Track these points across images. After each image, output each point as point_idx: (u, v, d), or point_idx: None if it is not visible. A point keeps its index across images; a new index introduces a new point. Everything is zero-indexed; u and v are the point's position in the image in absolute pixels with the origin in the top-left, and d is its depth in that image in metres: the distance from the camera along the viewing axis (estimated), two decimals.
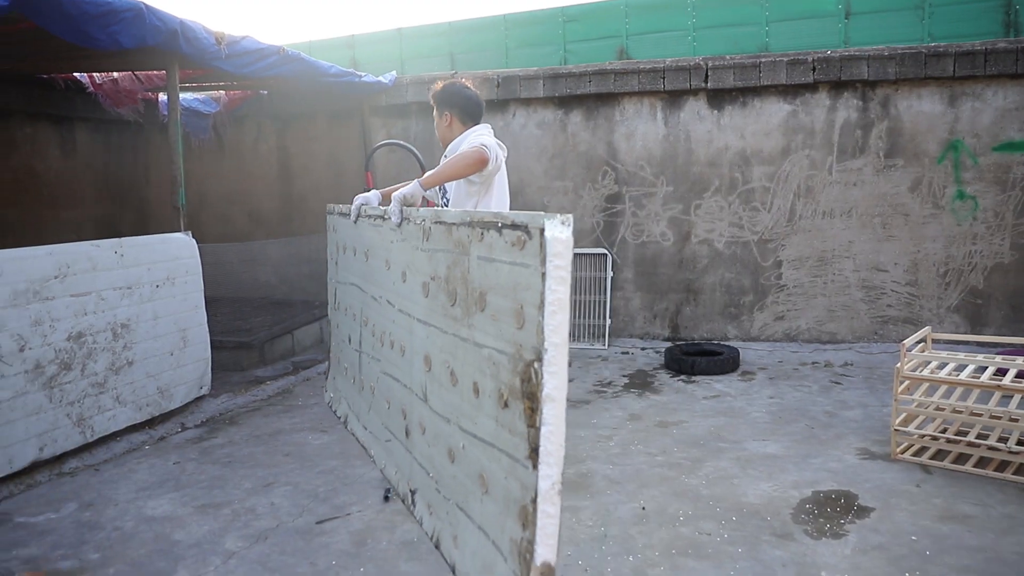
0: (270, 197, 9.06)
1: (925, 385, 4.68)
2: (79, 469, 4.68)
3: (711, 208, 7.61)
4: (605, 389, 6.29)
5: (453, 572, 2.64)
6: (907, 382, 4.64)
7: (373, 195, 3.28)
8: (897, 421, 4.55)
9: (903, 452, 4.55)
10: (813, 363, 6.93)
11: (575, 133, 7.88)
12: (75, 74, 7.71)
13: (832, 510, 3.91)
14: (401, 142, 5.77)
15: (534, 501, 2.15)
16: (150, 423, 5.26)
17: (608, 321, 7.81)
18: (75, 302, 4.69)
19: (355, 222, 3.48)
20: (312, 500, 4.16)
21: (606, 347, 7.71)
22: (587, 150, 7.86)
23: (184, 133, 9.06)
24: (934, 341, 5.06)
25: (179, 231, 5.65)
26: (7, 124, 7.85)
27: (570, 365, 7.02)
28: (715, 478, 4.37)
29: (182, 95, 8.87)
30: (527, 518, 2.18)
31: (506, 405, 2.47)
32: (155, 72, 7.40)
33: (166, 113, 8.83)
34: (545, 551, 2.10)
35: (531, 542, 2.16)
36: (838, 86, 7.16)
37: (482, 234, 2.76)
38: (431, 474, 3.18)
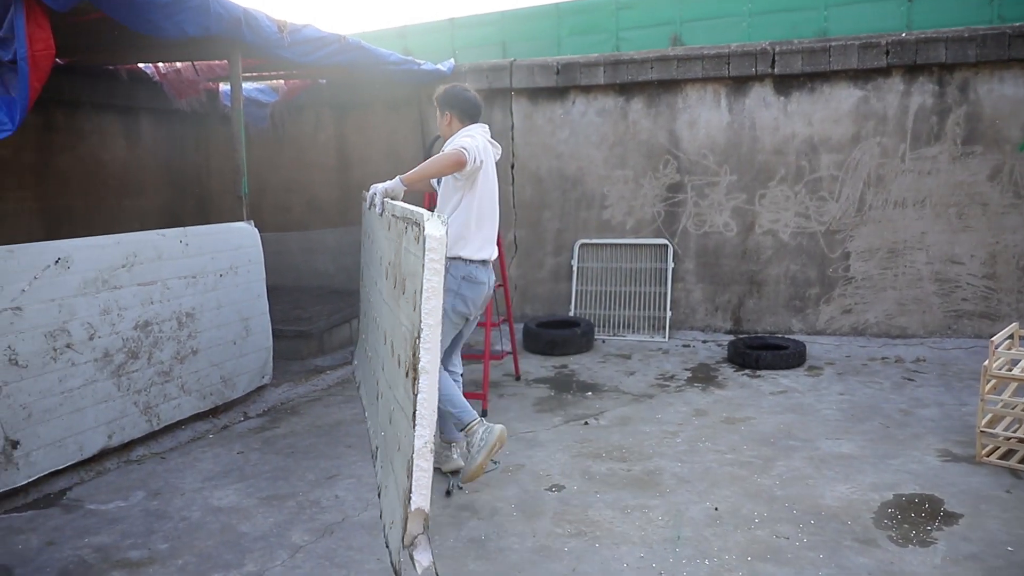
0: (328, 186, 9.08)
1: (1014, 385, 4.44)
2: (146, 457, 4.72)
3: (776, 198, 7.38)
4: (668, 383, 6.15)
5: (380, 517, 3.23)
6: (994, 381, 4.42)
7: (392, 184, 3.68)
8: (983, 422, 4.33)
9: (989, 455, 4.34)
10: (883, 358, 6.68)
11: (636, 121, 7.71)
12: (139, 65, 7.79)
13: (917, 515, 3.73)
14: None
15: (412, 457, 2.61)
16: (214, 412, 5.29)
17: (668, 313, 7.64)
18: (142, 291, 4.72)
19: (368, 209, 3.89)
20: (376, 494, 4.12)
21: (666, 339, 7.55)
22: (648, 138, 7.69)
23: (244, 123, 9.17)
24: (1021, 338, 4.81)
25: (242, 220, 5.66)
26: (75, 115, 7.98)
27: (629, 358, 6.90)
28: (789, 478, 4.22)
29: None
30: (409, 471, 2.62)
31: (407, 375, 2.82)
32: (216, 62, 7.44)
33: (226, 103, 8.91)
34: (419, 499, 2.61)
35: (409, 490, 2.63)
36: (913, 70, 6.87)
37: (406, 227, 3.10)
38: (381, 434, 3.65)
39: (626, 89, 7.71)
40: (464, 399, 3.94)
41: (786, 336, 7.28)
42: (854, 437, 4.82)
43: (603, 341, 7.61)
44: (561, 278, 8.10)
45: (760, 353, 6.54)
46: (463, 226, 3.88)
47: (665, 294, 7.71)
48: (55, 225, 7.76)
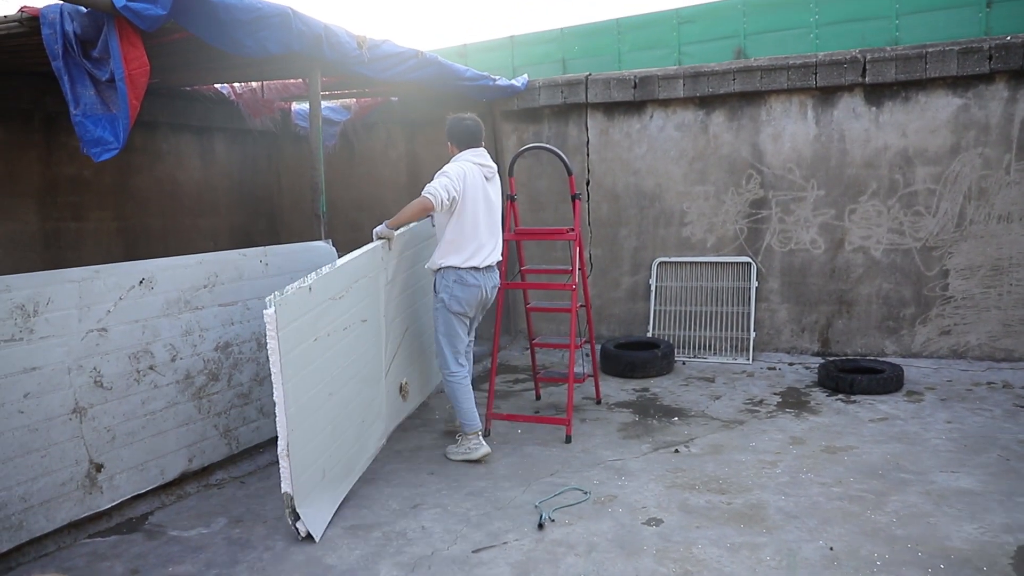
0: (399, 204, 8.95)
1: None
2: (225, 481, 4.62)
3: (867, 213, 7.02)
4: (757, 408, 5.85)
5: None
6: None
7: (381, 228, 4.84)
8: None
9: None
10: (988, 383, 6.26)
11: (717, 135, 7.45)
12: (216, 85, 7.84)
13: None
14: (548, 145, 5.52)
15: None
16: None
17: (752, 334, 7.32)
18: (223, 312, 4.64)
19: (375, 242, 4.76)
20: (464, 525, 3.93)
21: (750, 361, 7.23)
22: (730, 152, 7.42)
23: None
24: None
25: (320, 239, 5.57)
26: (153, 136, 8.06)
27: (712, 381, 6.60)
28: (907, 516, 3.89)
29: (303, 104, 8.95)
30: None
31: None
32: (291, 81, 7.43)
33: (298, 122, 8.93)
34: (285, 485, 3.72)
35: None
36: (1019, 75, 6.47)
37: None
38: None
39: (706, 102, 7.45)
40: (473, 408, 4.84)
41: (879, 358, 6.89)
42: (972, 471, 4.46)
43: (683, 363, 7.33)
44: (639, 297, 7.85)
45: (854, 377, 6.19)
46: (450, 243, 4.72)
47: (748, 314, 7.40)
48: (133, 244, 7.83)
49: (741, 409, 5.84)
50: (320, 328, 4.02)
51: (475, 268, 4.73)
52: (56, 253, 7.14)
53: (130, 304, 4.10)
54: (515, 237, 5.60)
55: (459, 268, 4.70)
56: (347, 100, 8.86)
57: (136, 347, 4.13)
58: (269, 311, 3.61)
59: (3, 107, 6.66)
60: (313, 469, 3.95)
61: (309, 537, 3.80)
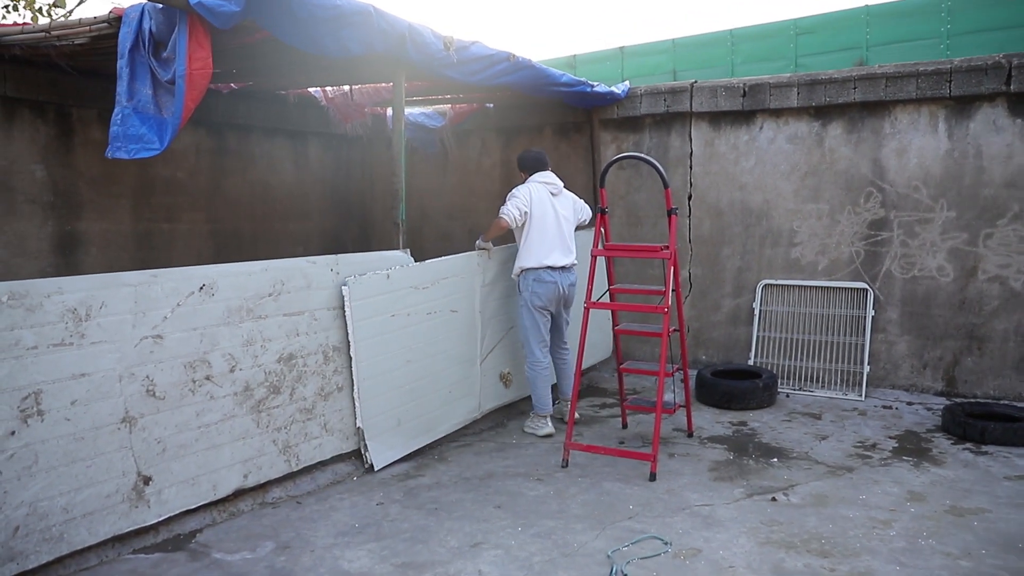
0: (491, 214, 8.66)
1: None
2: (281, 500, 4.38)
3: (1007, 238, 6.24)
4: (869, 453, 5.21)
5: None
6: None
7: (479, 241, 5.80)
8: None
9: None
10: None
11: (833, 148, 6.81)
12: (309, 90, 7.76)
13: None
14: (641, 154, 5.08)
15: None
16: (357, 454, 4.91)
17: (866, 368, 6.63)
18: (288, 321, 4.42)
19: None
20: (526, 572, 3.54)
21: (862, 398, 6.54)
22: (847, 168, 6.76)
23: (411, 148, 9.00)
24: None
25: (398, 248, 5.31)
26: (248, 140, 8.06)
27: (819, 418, 5.99)
28: None
29: (408, 110, 8.77)
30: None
31: None
32: (383, 85, 7.25)
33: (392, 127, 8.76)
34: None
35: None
36: None
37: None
38: None
39: (822, 112, 6.83)
40: (548, 393, 5.66)
41: (1015, 404, 6.09)
42: None
43: (787, 396, 6.71)
44: (740, 322, 7.27)
45: (986, 424, 5.45)
46: (526, 251, 5.56)
47: (862, 346, 6.70)
48: (223, 247, 7.82)
49: (851, 453, 5.22)
50: (398, 307, 4.98)
51: (550, 267, 5.47)
52: (148, 254, 7.17)
53: (188, 311, 3.92)
54: (604, 253, 5.18)
55: (536, 268, 5.47)
56: (442, 107, 8.65)
57: (193, 356, 3.94)
58: (345, 287, 4.63)
59: (102, 108, 6.73)
60: (386, 415, 4.95)
61: (371, 468, 4.80)
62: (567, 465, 4.95)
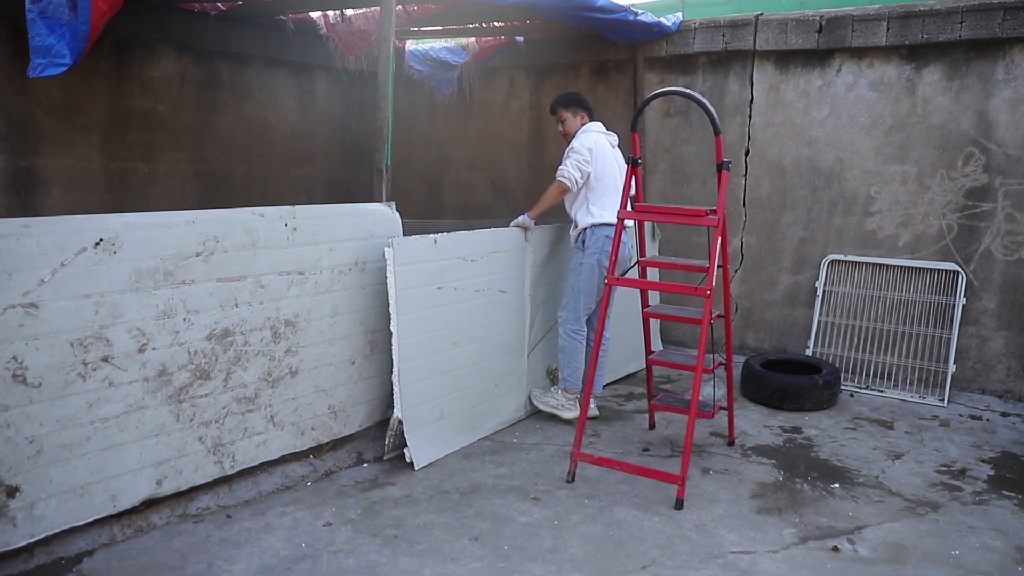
0: (517, 165, 7.67)
1: None
2: (208, 512, 3.50)
3: None
4: (959, 483, 4.13)
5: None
6: None
7: (521, 219, 4.79)
8: None
9: None
10: None
11: (928, 98, 5.59)
12: (311, 15, 6.75)
13: None
14: (686, 90, 3.98)
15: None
16: (316, 451, 4.01)
17: (951, 367, 5.49)
18: (223, 289, 3.49)
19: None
20: None
21: (944, 403, 5.42)
22: (944, 123, 5.54)
23: (428, 88, 7.96)
24: None
25: (380, 200, 4.33)
26: (243, 71, 7.11)
27: (890, 427, 4.91)
28: None
29: (426, 42, 7.72)
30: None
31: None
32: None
33: (412, 64, 7.74)
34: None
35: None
36: None
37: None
38: None
39: (917, 53, 5.60)
40: (581, 367, 4.76)
41: None
42: None
43: (851, 395, 5.62)
44: (799, 303, 6.16)
45: None
46: (596, 203, 4.66)
47: (948, 340, 5.56)
48: (212, 192, 6.94)
49: (934, 482, 4.15)
50: (445, 279, 4.28)
51: (625, 226, 4.47)
52: (120, 196, 6.32)
53: (78, 273, 3.00)
54: (633, 215, 4.12)
55: (612, 224, 4.48)
56: (465, 39, 7.57)
57: (83, 331, 3.04)
58: (389, 249, 3.94)
59: None
60: (429, 406, 4.26)
61: (411, 465, 4.08)
62: (573, 479, 3.98)
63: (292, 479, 3.84)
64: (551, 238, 5.08)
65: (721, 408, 4.53)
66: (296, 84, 7.59)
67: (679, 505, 3.70)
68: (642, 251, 4.40)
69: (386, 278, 3.97)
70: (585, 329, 4.76)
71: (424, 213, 8.15)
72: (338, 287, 3.99)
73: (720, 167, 3.86)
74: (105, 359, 3.11)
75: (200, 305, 3.41)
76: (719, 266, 3.95)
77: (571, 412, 4.79)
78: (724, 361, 4.45)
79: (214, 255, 3.44)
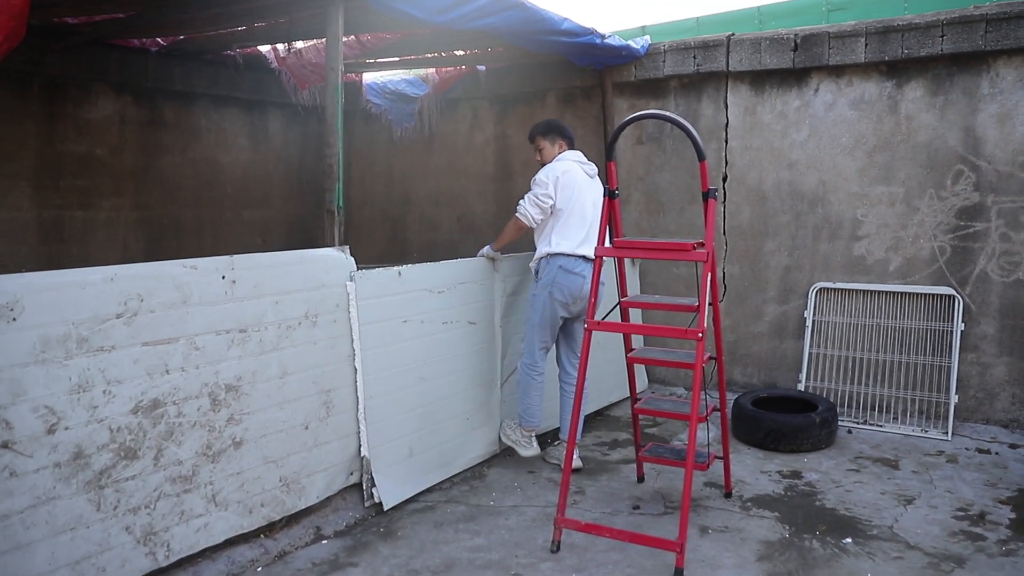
0: (484, 199, 7.30)
1: None
2: None
3: None
4: (979, 531, 3.76)
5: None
6: None
7: (486, 250, 4.64)
8: None
9: None
10: None
11: (911, 115, 5.32)
12: (260, 49, 6.37)
13: None
14: (667, 113, 3.63)
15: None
16: (267, 530, 3.54)
17: (952, 397, 5.17)
18: (150, 354, 3.04)
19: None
20: None
21: (948, 437, 5.08)
22: (930, 140, 5.28)
23: (386, 121, 7.59)
24: None
25: (332, 246, 3.92)
26: (189, 110, 6.70)
27: (895, 466, 4.57)
28: None
29: (385, 75, 7.37)
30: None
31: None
32: (344, 39, 5.80)
33: (370, 98, 7.39)
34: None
35: None
36: None
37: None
38: None
39: (898, 69, 5.34)
40: (539, 405, 4.50)
41: None
42: None
43: (849, 431, 5.26)
44: (787, 334, 5.82)
45: None
46: (558, 233, 4.37)
47: (948, 368, 5.24)
48: (157, 239, 6.49)
49: (953, 530, 3.77)
50: (411, 312, 4.15)
51: (583, 258, 4.34)
52: (56, 248, 5.85)
53: None
54: (614, 252, 3.75)
55: (568, 255, 4.33)
56: (424, 70, 7.23)
57: None
58: (350, 283, 3.79)
59: None
60: (397, 443, 4.10)
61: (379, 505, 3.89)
62: (558, 549, 3.55)
63: (240, 565, 3.37)
64: (521, 267, 4.91)
65: (716, 457, 4.14)
66: (248, 122, 7.19)
67: (678, 574, 3.28)
68: (623, 290, 4.02)
69: (348, 313, 3.81)
70: (542, 366, 4.49)
71: (388, 252, 7.75)
72: (286, 344, 3.55)
73: (706, 195, 3.50)
74: (4, 445, 2.65)
75: (123, 374, 2.96)
76: (710, 303, 3.57)
77: (527, 450, 4.56)
78: (717, 406, 4.07)
79: (138, 316, 3.00)
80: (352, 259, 3.87)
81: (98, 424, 2.89)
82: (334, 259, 3.78)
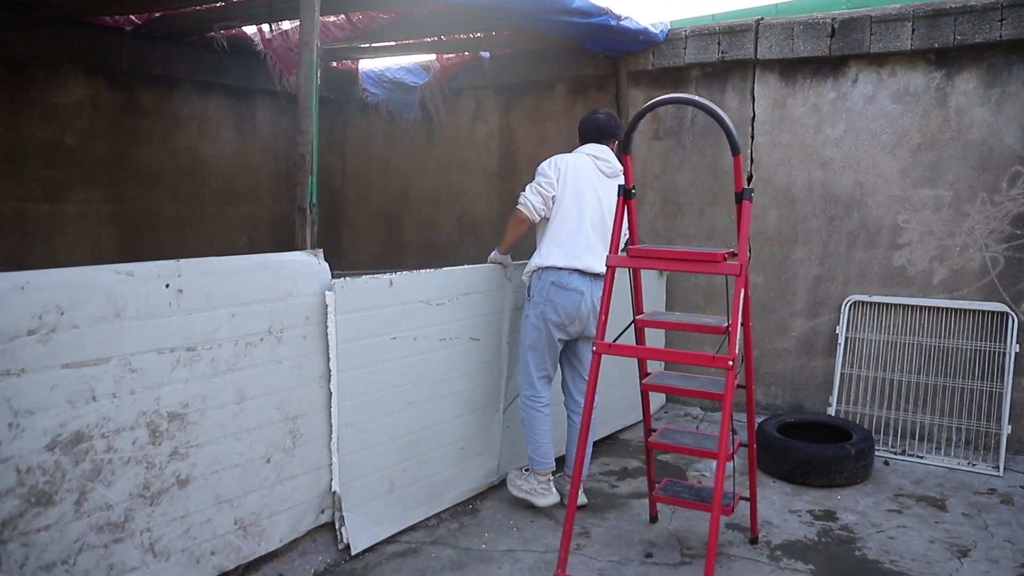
0: (486, 197, 6.79)
1: None
2: None
3: None
4: None
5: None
6: None
7: (494, 255, 4.11)
8: None
9: None
10: None
11: (963, 109, 4.78)
12: (246, 30, 5.86)
13: None
14: (699, 100, 3.09)
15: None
16: None
17: (1005, 427, 4.62)
18: (72, 378, 2.53)
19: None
20: None
21: (999, 472, 4.54)
22: (983, 138, 4.73)
23: (385, 113, 7.09)
24: None
25: (304, 249, 3.41)
26: (169, 96, 6.20)
27: (943, 507, 4.03)
28: None
29: (383, 62, 6.87)
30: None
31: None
32: (331, 18, 5.30)
33: (367, 87, 6.89)
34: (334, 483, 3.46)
35: None
36: None
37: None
38: None
39: (948, 58, 4.80)
40: (549, 442, 3.95)
41: None
42: None
43: (885, 463, 4.72)
44: (816, 352, 5.28)
45: None
46: (551, 240, 3.85)
47: (1000, 394, 4.69)
48: (134, 235, 6.00)
49: None
50: (403, 328, 3.64)
51: (580, 271, 3.81)
52: (18, 244, 5.37)
53: None
54: (628, 263, 3.22)
55: (561, 268, 3.81)
56: (425, 59, 6.72)
57: None
58: (330, 293, 3.29)
59: None
60: (375, 477, 3.61)
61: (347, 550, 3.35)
62: None
63: None
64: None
65: (741, 498, 3.61)
66: (234, 111, 6.69)
67: None
68: (638, 306, 3.48)
69: (326, 328, 3.30)
70: (546, 395, 3.97)
71: (383, 254, 7.25)
72: (245, 364, 3.04)
73: (740, 196, 2.97)
74: None
75: (35, 403, 2.45)
76: (742, 324, 3.04)
77: (545, 498, 3.95)
78: (744, 441, 3.54)
79: (57, 332, 2.49)
80: (326, 264, 3.35)
81: (1, 465, 2.39)
82: (304, 265, 3.27)
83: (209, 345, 2.91)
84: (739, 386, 3.28)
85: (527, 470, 4.03)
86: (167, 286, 2.78)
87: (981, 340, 4.78)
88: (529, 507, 3.98)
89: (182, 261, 2.83)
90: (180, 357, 2.83)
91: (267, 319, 3.11)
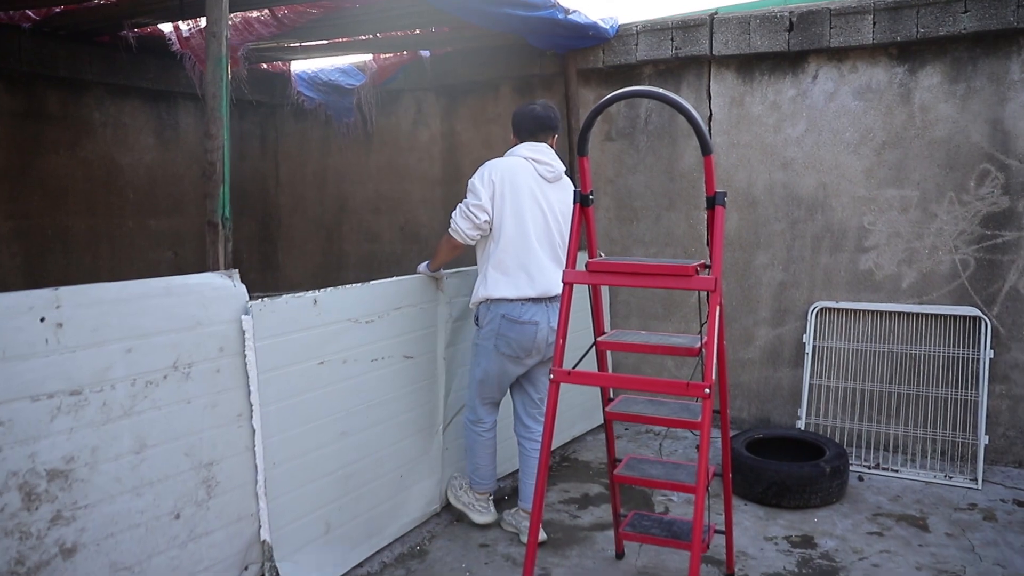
0: (430, 205, 6.39)
1: None
2: None
3: None
4: None
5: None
6: None
7: (423, 267, 3.74)
8: None
9: None
10: None
11: (927, 105, 4.55)
12: (162, 28, 5.37)
13: None
14: (664, 93, 2.74)
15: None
16: None
17: (982, 437, 4.39)
18: None
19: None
20: None
21: (978, 485, 4.30)
22: (949, 135, 4.51)
23: (321, 118, 6.65)
24: None
25: (217, 270, 2.97)
26: (80, 101, 5.68)
27: (924, 526, 3.76)
28: None
29: (317, 63, 6.43)
30: None
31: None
32: (253, 14, 4.86)
33: (301, 89, 6.43)
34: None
35: None
36: None
37: None
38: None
39: (911, 52, 4.56)
40: (490, 464, 3.75)
41: None
42: None
43: (860, 478, 4.46)
44: (782, 362, 5.00)
45: None
46: (496, 267, 3.49)
47: (976, 403, 4.47)
48: (39, 255, 5.45)
49: None
50: (330, 351, 3.26)
51: (532, 300, 3.49)
52: None
53: None
54: (588, 279, 2.85)
55: (512, 300, 3.48)
56: (362, 59, 6.30)
57: None
58: (247, 317, 2.86)
59: None
60: (310, 519, 3.24)
61: None
62: None
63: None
64: (467, 284, 3.97)
65: (716, 531, 3.28)
66: (154, 116, 6.17)
67: None
68: (599, 326, 3.13)
69: (244, 358, 2.89)
70: (489, 419, 3.72)
71: (322, 267, 6.81)
72: (145, 406, 2.59)
73: (712, 200, 2.64)
74: None
75: None
76: (717, 343, 2.70)
77: (483, 516, 3.79)
78: (718, 471, 3.21)
79: None
80: (243, 286, 2.92)
81: None
82: (215, 288, 2.83)
83: (99, 387, 2.46)
84: (714, 411, 2.95)
85: (467, 482, 3.84)
86: (42, 320, 2.33)
87: (954, 346, 4.55)
88: (482, 545, 3.60)
89: (61, 289, 2.38)
90: (62, 403, 2.37)
91: (171, 353, 2.67)
